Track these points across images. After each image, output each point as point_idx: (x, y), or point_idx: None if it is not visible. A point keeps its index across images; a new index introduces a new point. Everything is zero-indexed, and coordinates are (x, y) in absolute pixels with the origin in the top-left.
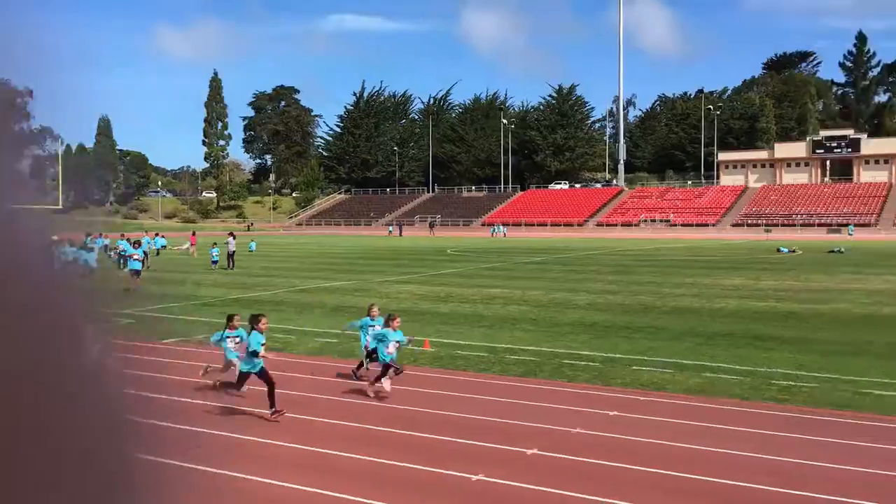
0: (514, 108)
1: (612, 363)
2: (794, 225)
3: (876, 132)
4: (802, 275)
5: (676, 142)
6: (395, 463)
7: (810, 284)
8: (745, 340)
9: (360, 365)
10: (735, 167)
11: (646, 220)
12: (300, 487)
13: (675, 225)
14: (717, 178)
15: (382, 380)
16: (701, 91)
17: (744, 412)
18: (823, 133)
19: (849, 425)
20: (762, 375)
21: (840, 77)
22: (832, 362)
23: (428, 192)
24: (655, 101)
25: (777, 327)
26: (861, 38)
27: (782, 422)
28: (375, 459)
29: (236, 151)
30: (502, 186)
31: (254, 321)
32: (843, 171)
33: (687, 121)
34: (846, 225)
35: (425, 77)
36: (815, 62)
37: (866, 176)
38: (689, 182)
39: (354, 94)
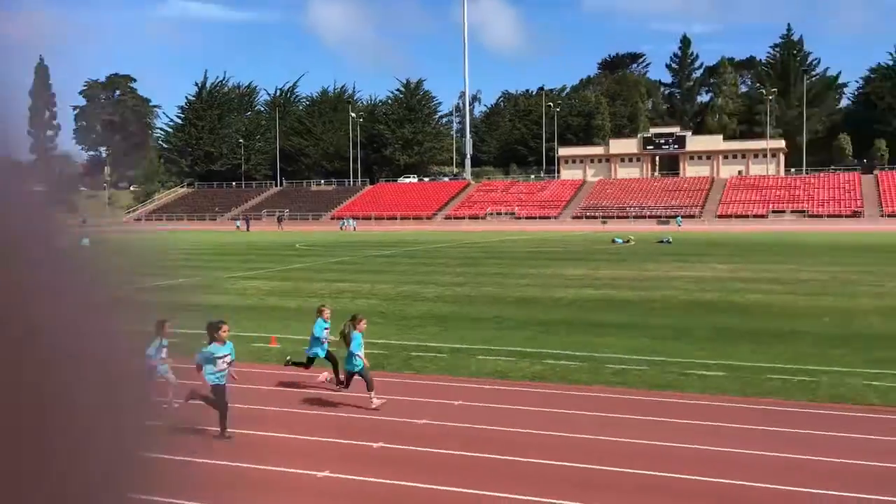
0: (362, 102)
1: (458, 354)
2: (628, 217)
3: (699, 130)
4: (635, 264)
5: (520, 137)
6: (236, 465)
7: (642, 273)
8: (583, 327)
9: (337, 374)
10: (574, 162)
11: (492, 213)
12: None
13: (520, 217)
14: (558, 172)
15: (341, 382)
16: (542, 88)
17: (581, 396)
18: (653, 130)
19: (675, 405)
20: (598, 360)
21: (667, 78)
22: (661, 346)
23: (276, 185)
24: (500, 98)
25: (612, 314)
26: (685, 42)
27: (617, 404)
28: (207, 461)
29: (67, 143)
30: (351, 180)
31: (214, 329)
32: (670, 165)
33: (529, 117)
34: (675, 216)
35: (271, 68)
36: (644, 63)
37: (691, 171)
38: (532, 176)
39: (197, 85)
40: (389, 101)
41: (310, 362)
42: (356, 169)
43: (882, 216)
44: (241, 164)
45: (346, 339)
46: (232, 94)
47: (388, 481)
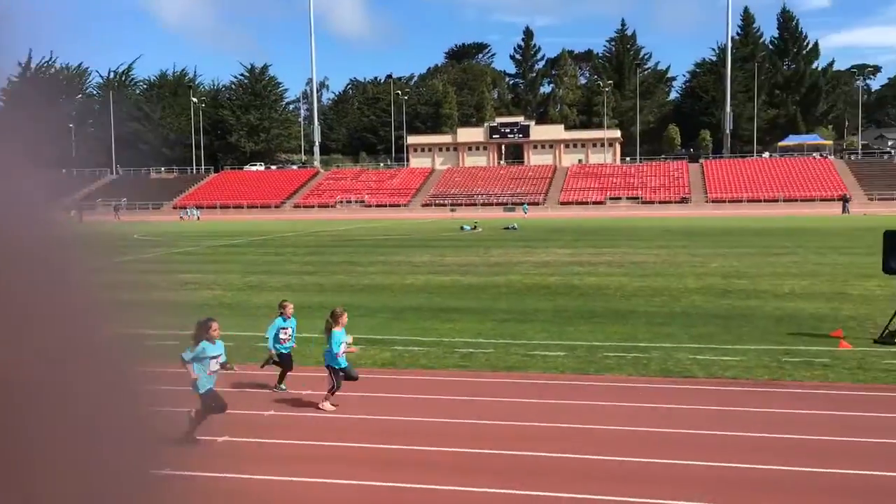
0: (204, 87)
1: (307, 343)
2: (476, 204)
3: (542, 120)
4: (482, 250)
5: (369, 125)
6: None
7: (489, 259)
8: (432, 313)
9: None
10: (423, 150)
11: (342, 202)
12: None
13: (370, 206)
14: (407, 160)
15: (328, 396)
16: (390, 76)
17: (430, 381)
18: (498, 120)
19: (519, 385)
20: (446, 345)
21: (512, 68)
22: (507, 329)
23: (111, 173)
24: (348, 85)
25: (460, 299)
26: (528, 34)
27: (464, 387)
28: None
29: None
30: (194, 168)
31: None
32: (516, 154)
33: (378, 105)
34: (521, 203)
35: (103, 49)
36: (490, 53)
37: (535, 159)
38: (382, 164)
39: (20, 65)
40: (233, 86)
41: (279, 358)
42: (199, 156)
43: (707, 202)
44: (71, 151)
45: (327, 336)
46: (60, 76)
47: (239, 476)
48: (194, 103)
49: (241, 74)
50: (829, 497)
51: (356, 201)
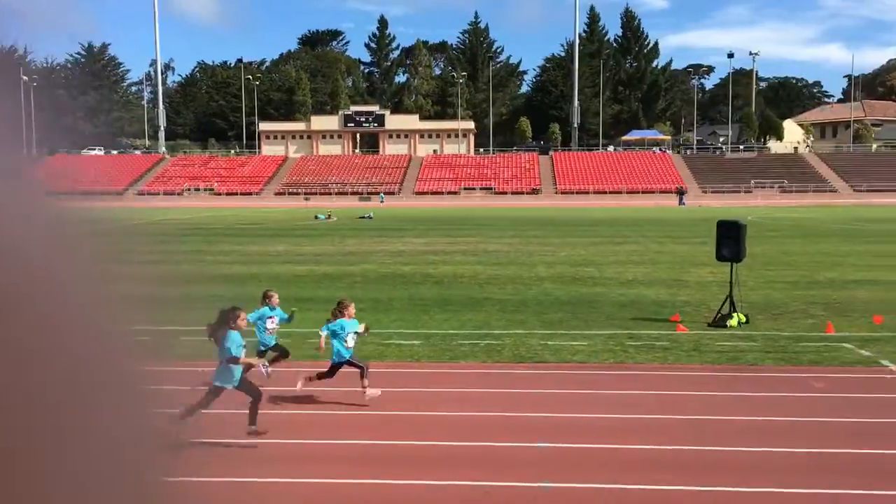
0: (35, 65)
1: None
2: (331, 193)
3: (397, 109)
4: (337, 239)
5: (218, 110)
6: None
7: (344, 248)
8: (288, 303)
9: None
10: (276, 138)
11: (190, 189)
12: None
13: (220, 194)
14: (259, 147)
15: (365, 382)
16: (241, 61)
17: (286, 371)
18: (353, 108)
19: (380, 374)
20: (301, 336)
21: (366, 57)
22: (362, 318)
23: None
24: (195, 68)
25: (314, 289)
26: (383, 23)
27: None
28: None
29: None
30: (26, 151)
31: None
32: (371, 143)
33: (228, 90)
34: (376, 193)
35: None
36: (344, 41)
37: (390, 149)
38: (233, 151)
39: None
40: (69, 65)
41: (261, 355)
42: (31, 138)
43: (557, 193)
44: None
45: (333, 329)
46: None
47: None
48: (25, 81)
49: (78, 53)
50: (669, 473)
51: (205, 189)
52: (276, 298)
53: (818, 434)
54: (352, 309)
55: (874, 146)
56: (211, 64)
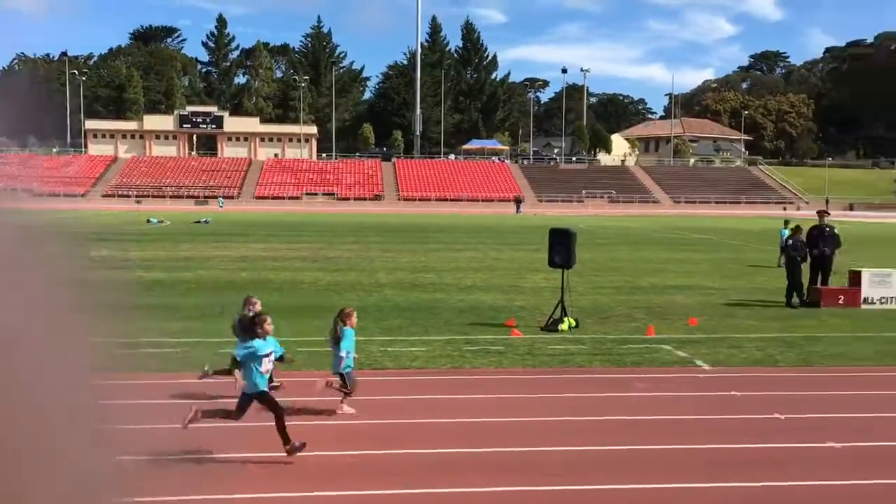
0: None
1: None
2: (165, 196)
3: (237, 111)
4: (169, 244)
5: (39, 106)
6: None
7: (177, 254)
8: (113, 312)
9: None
10: (104, 137)
11: (6, 190)
12: None
13: (41, 195)
14: (85, 146)
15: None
16: (65, 54)
17: (118, 385)
18: (190, 108)
19: (210, 385)
20: (129, 346)
21: (204, 56)
22: (196, 326)
23: None
24: (14, 60)
25: (143, 296)
26: (221, 21)
27: (149, 389)
28: None
29: None
30: None
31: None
32: (209, 145)
33: (50, 85)
34: (214, 196)
35: None
36: (180, 38)
37: (229, 151)
38: (55, 150)
39: None
40: None
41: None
42: None
43: (399, 199)
44: None
45: (336, 338)
46: None
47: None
48: None
49: None
50: (502, 474)
51: (23, 190)
52: (258, 304)
53: (630, 432)
54: (354, 319)
55: (692, 160)
56: (32, 56)
